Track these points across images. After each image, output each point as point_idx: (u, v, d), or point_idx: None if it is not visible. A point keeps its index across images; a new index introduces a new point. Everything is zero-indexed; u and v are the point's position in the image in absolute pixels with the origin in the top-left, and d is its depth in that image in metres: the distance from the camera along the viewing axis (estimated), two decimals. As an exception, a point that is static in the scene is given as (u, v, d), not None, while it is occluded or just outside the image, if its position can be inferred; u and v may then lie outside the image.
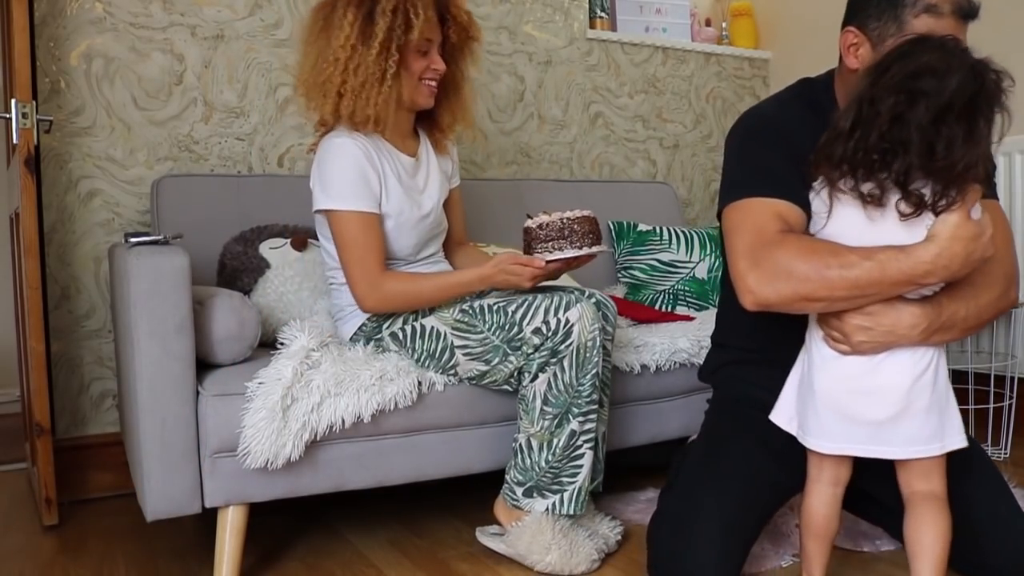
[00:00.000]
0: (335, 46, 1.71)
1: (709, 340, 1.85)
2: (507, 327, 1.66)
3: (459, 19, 1.82)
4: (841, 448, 1.34)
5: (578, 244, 1.63)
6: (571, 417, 1.64)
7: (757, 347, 1.66)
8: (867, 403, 1.31)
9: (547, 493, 1.66)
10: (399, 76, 1.73)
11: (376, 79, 1.70)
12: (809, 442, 1.38)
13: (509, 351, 1.67)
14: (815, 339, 1.37)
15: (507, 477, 1.71)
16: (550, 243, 1.64)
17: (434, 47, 1.78)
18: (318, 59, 1.74)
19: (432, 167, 1.91)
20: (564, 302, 1.64)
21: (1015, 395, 2.33)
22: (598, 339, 1.64)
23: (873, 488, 1.52)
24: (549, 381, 1.65)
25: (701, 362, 1.88)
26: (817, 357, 1.36)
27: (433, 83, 1.80)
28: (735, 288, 1.40)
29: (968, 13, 1.44)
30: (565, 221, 1.64)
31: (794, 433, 1.41)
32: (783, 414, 1.44)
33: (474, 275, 1.72)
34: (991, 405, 2.29)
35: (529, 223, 1.68)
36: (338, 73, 1.70)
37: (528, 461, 1.67)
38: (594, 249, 1.65)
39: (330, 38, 1.72)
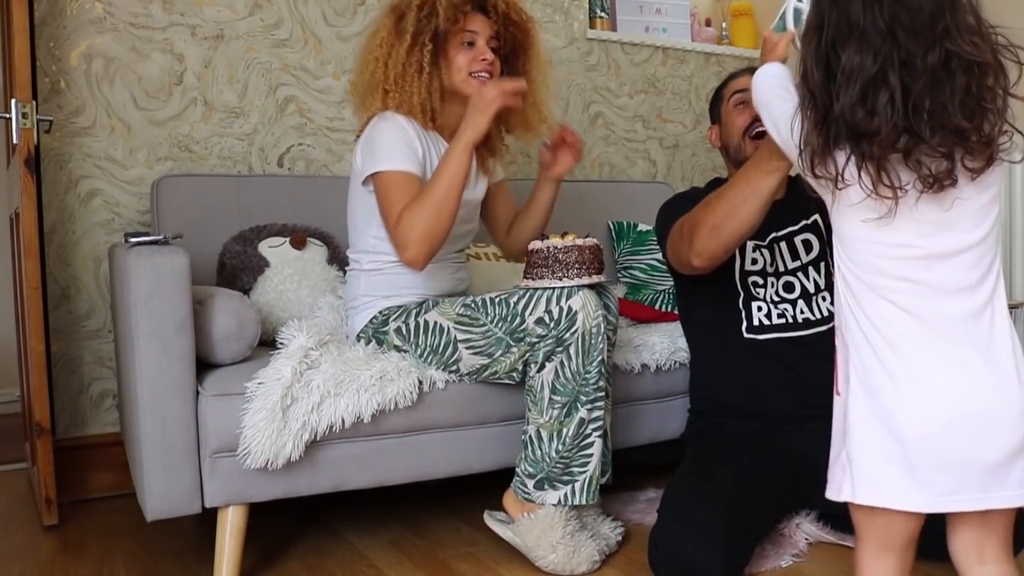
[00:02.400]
0: (374, 46, 1.82)
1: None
2: (509, 318, 1.67)
3: (498, 7, 1.83)
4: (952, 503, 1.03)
5: (560, 274, 1.66)
6: (579, 405, 1.64)
7: (735, 400, 1.83)
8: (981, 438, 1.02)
9: (558, 484, 1.66)
10: (437, 67, 1.78)
11: (414, 71, 1.77)
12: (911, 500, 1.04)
13: (512, 343, 1.67)
14: (892, 375, 1.04)
15: (517, 470, 1.71)
16: (535, 270, 1.68)
17: (480, 39, 1.81)
18: (364, 64, 1.85)
19: (474, 169, 1.91)
20: (565, 291, 1.64)
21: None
22: (602, 325, 1.65)
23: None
24: (556, 369, 1.65)
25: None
26: (900, 397, 1.04)
27: (484, 75, 1.80)
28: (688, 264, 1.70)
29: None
30: (551, 250, 1.67)
31: (891, 505, 1.05)
32: (875, 483, 1.05)
33: (456, 139, 1.71)
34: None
35: (529, 245, 1.72)
36: (380, 70, 1.80)
37: (539, 452, 1.67)
38: (576, 282, 1.65)
39: (371, 43, 1.84)
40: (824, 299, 1.84)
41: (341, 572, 1.72)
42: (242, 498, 1.61)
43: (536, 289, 1.67)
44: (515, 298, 1.68)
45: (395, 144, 1.75)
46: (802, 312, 1.82)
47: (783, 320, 1.82)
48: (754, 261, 1.85)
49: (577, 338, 1.63)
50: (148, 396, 1.55)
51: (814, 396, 1.73)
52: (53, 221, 2.23)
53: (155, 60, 2.32)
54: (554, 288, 1.65)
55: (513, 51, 1.90)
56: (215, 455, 1.58)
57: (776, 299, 1.84)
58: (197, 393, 1.61)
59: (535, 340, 1.65)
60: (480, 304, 1.71)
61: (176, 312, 1.56)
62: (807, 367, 1.77)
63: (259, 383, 1.59)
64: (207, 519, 1.70)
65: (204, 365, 1.68)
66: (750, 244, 1.85)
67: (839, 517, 1.72)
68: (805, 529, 1.76)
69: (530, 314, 1.65)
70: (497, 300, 1.69)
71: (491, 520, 1.75)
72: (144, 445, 1.56)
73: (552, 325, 1.63)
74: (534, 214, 2.02)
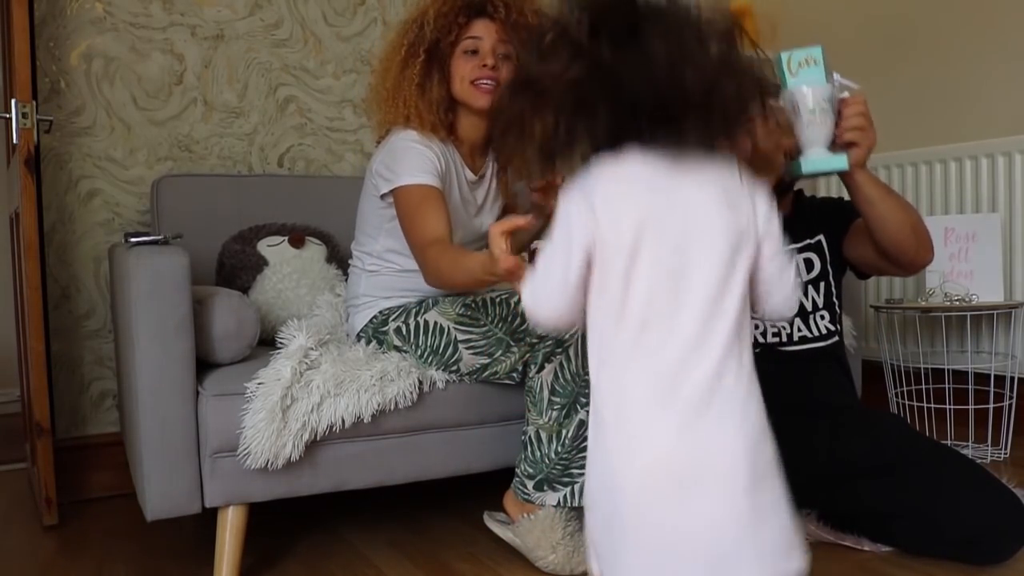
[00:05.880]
0: (380, 61, 1.86)
1: None
2: (509, 319, 1.67)
3: (499, 9, 1.75)
4: None
5: None
6: (579, 407, 1.64)
7: None
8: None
9: (558, 485, 1.66)
10: (431, 77, 1.74)
11: (410, 82, 1.74)
12: None
13: (512, 343, 1.67)
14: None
15: (517, 471, 1.71)
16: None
17: (484, 45, 1.74)
18: (375, 76, 1.87)
19: (493, 188, 1.90)
20: None
21: (1015, 395, 2.32)
22: None
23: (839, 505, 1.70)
24: (556, 371, 1.65)
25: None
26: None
27: (486, 83, 1.73)
28: None
29: None
30: None
31: None
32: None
33: (476, 269, 1.64)
34: (991, 405, 2.29)
35: (530, 246, 1.72)
36: (379, 82, 1.81)
37: (538, 453, 1.67)
38: None
39: (383, 56, 1.86)
40: (823, 317, 1.83)
41: (341, 572, 1.72)
42: (242, 498, 1.61)
43: None
44: (515, 298, 1.68)
45: (412, 158, 1.70)
46: (800, 330, 1.81)
47: (777, 339, 1.81)
48: None
49: (577, 339, 1.63)
50: (148, 396, 1.55)
51: (816, 393, 1.73)
52: (53, 221, 2.23)
53: (155, 60, 2.32)
54: None
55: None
56: (215, 455, 1.58)
57: None
58: (197, 393, 1.61)
59: (535, 341, 1.65)
60: (480, 304, 1.71)
61: (176, 312, 1.56)
62: (804, 367, 1.77)
63: (259, 383, 1.59)
64: (207, 519, 1.70)
65: (204, 365, 1.68)
66: None
67: (839, 517, 1.72)
68: (805, 529, 1.76)
69: None
70: (498, 300, 1.69)
71: (491, 521, 1.75)
72: (144, 445, 1.56)
73: None
74: None
